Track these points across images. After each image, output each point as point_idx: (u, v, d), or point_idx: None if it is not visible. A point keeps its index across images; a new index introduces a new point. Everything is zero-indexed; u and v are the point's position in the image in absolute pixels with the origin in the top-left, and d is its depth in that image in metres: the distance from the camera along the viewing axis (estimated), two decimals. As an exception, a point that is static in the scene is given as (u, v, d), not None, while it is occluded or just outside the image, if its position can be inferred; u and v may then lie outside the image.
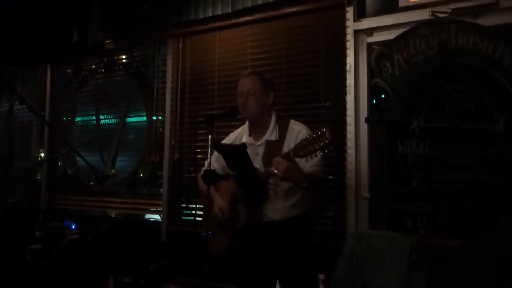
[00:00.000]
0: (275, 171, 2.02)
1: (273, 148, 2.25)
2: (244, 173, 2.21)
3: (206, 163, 2.36)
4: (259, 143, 2.35)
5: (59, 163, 4.51)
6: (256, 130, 2.40)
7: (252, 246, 2.29)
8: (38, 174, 4.58)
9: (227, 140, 2.54)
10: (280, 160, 2.01)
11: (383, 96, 2.33)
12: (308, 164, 2.16)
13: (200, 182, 2.27)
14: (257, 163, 2.26)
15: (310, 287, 2.40)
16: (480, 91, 2.24)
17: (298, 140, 2.03)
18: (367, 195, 2.83)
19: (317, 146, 1.90)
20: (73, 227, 3.26)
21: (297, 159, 2.06)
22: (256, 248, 2.28)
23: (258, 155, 2.32)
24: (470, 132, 2.22)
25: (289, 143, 2.21)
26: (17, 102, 2.94)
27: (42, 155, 4.56)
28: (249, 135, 2.42)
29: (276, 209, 2.25)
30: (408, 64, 2.22)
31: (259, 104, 2.32)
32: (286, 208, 2.26)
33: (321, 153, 1.92)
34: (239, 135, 2.50)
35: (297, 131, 2.28)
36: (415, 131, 2.21)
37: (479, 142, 2.23)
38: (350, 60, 2.96)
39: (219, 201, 2.33)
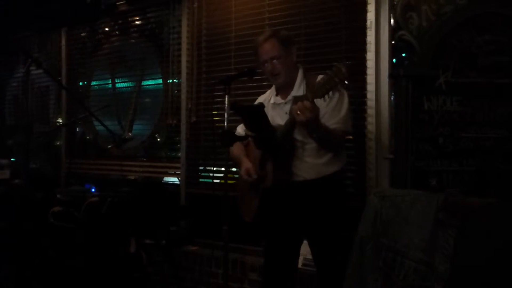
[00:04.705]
0: (298, 117, 1.90)
1: None
2: (262, 133, 2.13)
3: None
4: (286, 100, 2.28)
5: (78, 129, 4.54)
6: (283, 88, 2.32)
7: (281, 206, 2.24)
8: (58, 139, 4.63)
9: None
10: (308, 104, 1.87)
11: (407, 52, 2.21)
12: (331, 120, 2.09)
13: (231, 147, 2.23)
14: None
15: (342, 249, 2.20)
16: (515, 42, 2.11)
17: None
18: (388, 155, 2.76)
19: (333, 83, 1.82)
20: (93, 190, 3.30)
21: (324, 119, 1.99)
22: (286, 207, 2.23)
23: (286, 113, 2.22)
24: (503, 86, 2.09)
25: None
26: (33, 67, 2.92)
27: (61, 120, 4.59)
28: (276, 95, 2.35)
29: (308, 168, 2.18)
30: (436, 15, 2.08)
31: (286, 66, 2.25)
32: (319, 166, 2.19)
33: (334, 91, 1.86)
34: (267, 97, 2.43)
35: None
36: (442, 87, 2.10)
37: (512, 98, 2.12)
38: (371, 16, 2.82)
39: (246, 164, 2.29)
